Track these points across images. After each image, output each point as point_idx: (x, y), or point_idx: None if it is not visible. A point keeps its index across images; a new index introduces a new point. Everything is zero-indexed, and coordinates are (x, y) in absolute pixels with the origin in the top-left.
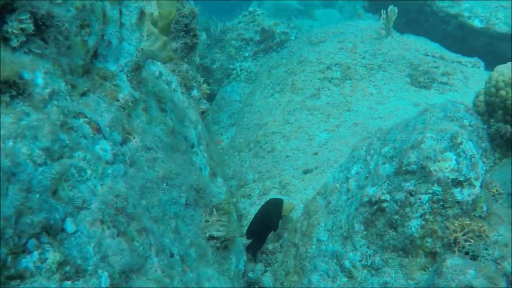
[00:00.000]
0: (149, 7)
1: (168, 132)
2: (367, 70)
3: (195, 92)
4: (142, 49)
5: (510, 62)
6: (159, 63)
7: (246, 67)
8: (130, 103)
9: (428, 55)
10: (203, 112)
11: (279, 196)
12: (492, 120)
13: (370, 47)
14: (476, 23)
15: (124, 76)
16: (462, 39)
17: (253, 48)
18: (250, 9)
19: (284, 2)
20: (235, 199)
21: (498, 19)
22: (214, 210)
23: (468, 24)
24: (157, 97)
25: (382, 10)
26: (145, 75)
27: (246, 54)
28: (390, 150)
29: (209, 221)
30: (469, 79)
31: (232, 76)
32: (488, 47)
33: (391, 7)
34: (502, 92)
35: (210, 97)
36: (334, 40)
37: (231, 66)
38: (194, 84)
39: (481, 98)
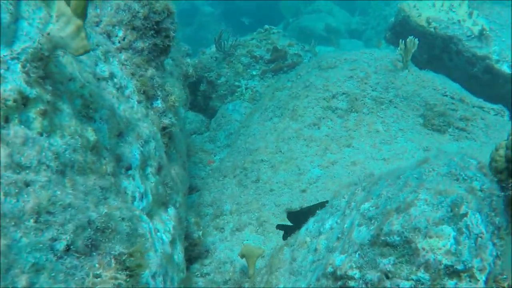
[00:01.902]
0: None
1: (84, 147)
2: (376, 104)
3: (158, 103)
4: (48, 34)
5: None
6: (115, 60)
7: (252, 85)
8: (11, 102)
9: (446, 95)
10: (164, 128)
11: (253, 235)
12: (511, 180)
13: (383, 79)
14: (505, 68)
15: (18, 65)
16: (488, 83)
17: (262, 67)
18: (266, 26)
19: (310, 28)
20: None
21: None
22: (113, 261)
23: (496, 69)
24: (84, 101)
25: (400, 40)
26: (61, 70)
27: (254, 73)
28: (371, 208)
29: (100, 277)
30: (490, 128)
31: (236, 94)
32: None
33: (410, 38)
34: None
35: (212, 114)
36: (345, 67)
37: (236, 83)
38: (159, 93)
39: (501, 152)
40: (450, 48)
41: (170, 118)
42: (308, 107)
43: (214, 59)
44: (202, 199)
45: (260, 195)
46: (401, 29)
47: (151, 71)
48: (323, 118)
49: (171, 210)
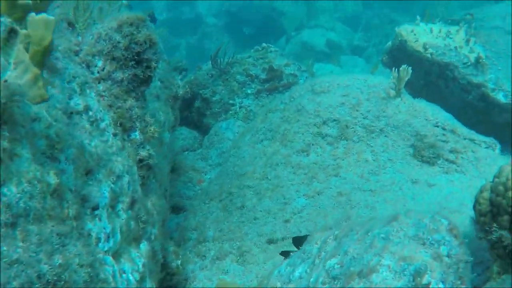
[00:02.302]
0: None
1: (43, 192)
2: (367, 132)
3: (135, 135)
4: (5, 81)
5: None
6: (92, 92)
7: (246, 104)
8: None
9: (437, 126)
10: (142, 160)
11: (234, 265)
12: (495, 225)
13: (375, 107)
14: (500, 97)
15: None
16: (483, 111)
17: (257, 86)
18: (264, 44)
19: (311, 42)
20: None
21: None
22: None
23: (491, 97)
24: (49, 141)
25: (393, 69)
26: (24, 111)
27: (249, 91)
28: (336, 266)
29: None
30: (480, 161)
31: (230, 112)
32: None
33: (403, 66)
34: (511, 194)
35: (206, 131)
36: (338, 93)
37: (231, 101)
38: (137, 124)
39: (486, 194)
40: (446, 74)
41: (148, 150)
42: (298, 132)
43: (210, 75)
44: (187, 222)
45: (244, 223)
46: (398, 53)
47: (130, 102)
48: (313, 145)
49: (144, 245)
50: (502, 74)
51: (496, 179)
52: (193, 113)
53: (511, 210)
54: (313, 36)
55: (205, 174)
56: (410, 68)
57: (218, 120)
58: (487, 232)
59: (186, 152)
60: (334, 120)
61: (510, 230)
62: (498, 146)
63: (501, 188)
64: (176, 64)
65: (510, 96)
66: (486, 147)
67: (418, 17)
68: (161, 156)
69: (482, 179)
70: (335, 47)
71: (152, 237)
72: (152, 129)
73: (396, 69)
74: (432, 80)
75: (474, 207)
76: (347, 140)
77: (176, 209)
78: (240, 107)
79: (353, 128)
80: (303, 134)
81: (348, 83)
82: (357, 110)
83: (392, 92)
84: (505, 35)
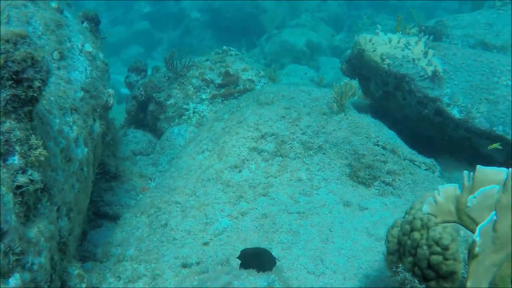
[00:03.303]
0: None
1: None
2: (304, 149)
3: (14, 160)
4: None
5: (445, 186)
6: None
7: (200, 110)
8: None
9: (378, 145)
10: (19, 187)
11: None
12: (401, 266)
13: (315, 123)
14: (455, 113)
15: None
16: (439, 125)
17: (212, 91)
18: (224, 47)
19: (291, 42)
20: None
21: (479, 113)
22: None
23: (446, 112)
24: None
25: (334, 84)
26: None
27: (203, 97)
28: None
29: None
30: (418, 185)
31: (183, 117)
32: (466, 141)
33: (346, 81)
34: (416, 235)
35: (160, 135)
36: (281, 105)
37: (185, 106)
38: (17, 149)
39: (395, 231)
40: (403, 86)
41: (31, 175)
42: (235, 145)
43: (167, 78)
44: (114, 237)
45: (163, 243)
46: (357, 62)
47: (10, 124)
48: (247, 161)
49: (14, 280)
50: (458, 89)
51: (406, 216)
52: (148, 115)
53: (415, 252)
54: (293, 35)
55: (153, 181)
56: (354, 82)
57: (171, 125)
58: (394, 272)
59: (139, 157)
60: (272, 134)
61: (413, 273)
62: (438, 168)
63: (407, 227)
64: (135, 65)
65: (464, 112)
66: (425, 169)
67: (378, 26)
68: (66, 175)
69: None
70: (314, 47)
71: (35, 267)
72: (38, 152)
73: (339, 83)
74: (390, 91)
75: (385, 242)
76: (282, 157)
77: (115, 220)
78: (194, 113)
79: (290, 144)
80: (239, 148)
81: (293, 95)
82: (296, 125)
83: (335, 107)
84: (464, 48)
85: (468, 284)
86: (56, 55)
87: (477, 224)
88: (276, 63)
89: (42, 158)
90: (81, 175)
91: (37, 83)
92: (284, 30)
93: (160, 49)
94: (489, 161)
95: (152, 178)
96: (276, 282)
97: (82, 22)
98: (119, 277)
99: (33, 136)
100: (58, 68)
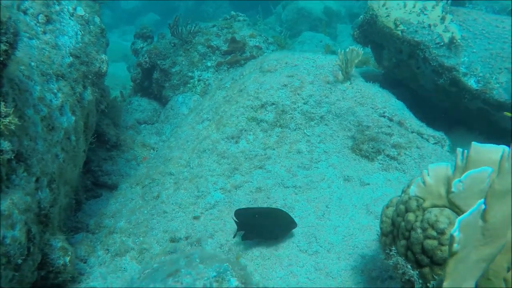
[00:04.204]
0: None
1: None
2: (305, 119)
3: None
4: None
5: (436, 166)
6: None
7: (205, 78)
8: None
9: (384, 116)
10: None
11: (132, 264)
12: (394, 249)
13: (318, 92)
14: (472, 83)
15: None
16: (455, 96)
17: (218, 59)
18: (233, 13)
19: (308, 8)
20: None
21: (498, 84)
22: None
23: (462, 82)
24: None
25: (339, 50)
26: None
27: (209, 64)
28: None
29: None
30: (425, 159)
31: (188, 85)
32: (483, 113)
33: (352, 47)
34: (411, 216)
35: (165, 103)
36: (284, 73)
37: (189, 74)
38: None
39: (390, 211)
40: (417, 54)
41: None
42: (234, 115)
43: (172, 45)
44: (108, 208)
45: (153, 216)
46: (369, 28)
47: None
48: (245, 131)
49: None
50: (477, 57)
51: (403, 195)
52: (154, 84)
53: (409, 235)
54: (310, 2)
55: (156, 151)
56: (361, 49)
57: (175, 93)
58: (388, 255)
59: (143, 126)
60: (273, 104)
61: (406, 258)
62: (448, 142)
63: (402, 207)
64: (140, 31)
65: (482, 83)
66: (434, 143)
67: None
68: (48, 144)
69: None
70: (333, 14)
71: (7, 240)
72: (7, 120)
73: (343, 50)
74: (404, 59)
75: (380, 223)
76: (281, 128)
77: (115, 189)
78: (199, 80)
79: (291, 114)
80: (237, 117)
81: (297, 63)
82: (298, 94)
83: (340, 76)
84: (486, 14)
85: (445, 284)
86: (41, 18)
87: (463, 213)
88: (292, 31)
89: (12, 127)
90: (68, 145)
91: (3, 47)
92: None
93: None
94: (506, 135)
95: (155, 148)
96: (228, 272)
97: None
98: (108, 250)
99: (3, 103)
100: (44, 32)
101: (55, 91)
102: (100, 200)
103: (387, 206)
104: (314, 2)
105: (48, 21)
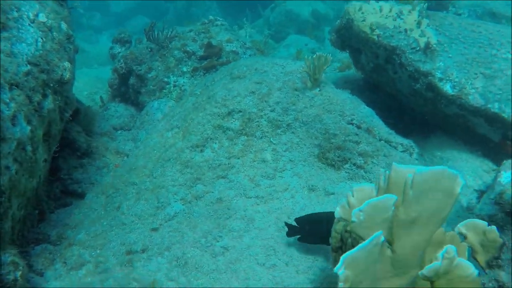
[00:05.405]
0: None
1: None
2: (272, 127)
3: None
4: None
5: (360, 187)
6: None
7: (181, 83)
8: None
9: (352, 124)
10: None
11: (88, 278)
12: None
13: (285, 99)
14: (447, 89)
15: None
16: (432, 101)
17: (194, 64)
18: (211, 17)
19: (296, 11)
20: None
21: (474, 89)
22: None
23: (438, 88)
24: None
25: (306, 56)
26: None
27: (184, 69)
28: None
29: None
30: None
31: (164, 91)
32: (460, 119)
33: (319, 54)
34: (346, 235)
35: (142, 109)
36: (253, 79)
37: (165, 79)
38: None
39: (339, 227)
40: (393, 59)
41: None
42: (200, 123)
43: (149, 50)
44: (71, 218)
45: (112, 227)
46: (346, 33)
47: None
48: (210, 139)
49: None
50: (452, 62)
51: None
52: (131, 89)
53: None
54: (298, 4)
55: (127, 157)
56: (330, 55)
57: (151, 98)
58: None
59: (119, 132)
60: (240, 111)
61: None
62: (416, 150)
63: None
64: (118, 36)
65: (458, 88)
66: (402, 151)
67: None
68: None
69: None
70: (321, 17)
71: None
72: None
73: (311, 56)
74: (381, 64)
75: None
76: (247, 136)
77: (83, 198)
78: (174, 86)
79: (257, 121)
80: (204, 125)
81: (266, 69)
82: (265, 101)
83: (309, 83)
84: (462, 18)
85: None
86: None
87: None
88: (281, 34)
89: None
90: (23, 155)
91: None
92: None
93: (166, 19)
94: (483, 140)
95: (129, 155)
96: None
97: None
98: (65, 262)
99: None
100: None
101: (7, 101)
102: (69, 209)
103: (338, 220)
104: (302, 5)
105: (4, 28)
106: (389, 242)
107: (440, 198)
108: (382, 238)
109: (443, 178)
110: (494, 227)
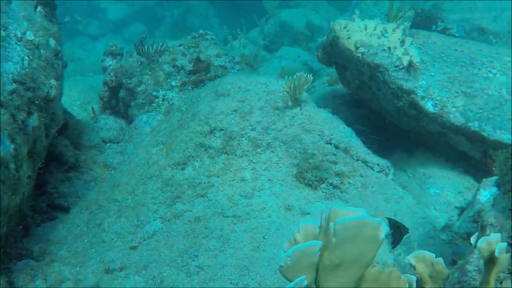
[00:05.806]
0: None
1: None
2: (252, 146)
3: None
4: None
5: (305, 225)
6: None
7: (169, 97)
8: None
9: (330, 144)
10: None
11: None
12: None
13: (266, 118)
14: (429, 107)
15: None
16: (415, 119)
17: (183, 78)
18: (201, 31)
19: (291, 23)
20: None
21: (455, 108)
22: None
23: (420, 106)
24: None
25: (286, 76)
26: None
27: (173, 84)
28: None
29: None
30: (367, 188)
31: (153, 105)
32: (442, 137)
33: (300, 74)
34: None
35: (131, 122)
36: (236, 98)
37: (154, 93)
38: None
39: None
40: (377, 77)
41: None
42: (183, 141)
43: (139, 63)
44: (55, 234)
45: (92, 244)
46: (332, 49)
47: None
48: (192, 157)
49: None
50: (434, 80)
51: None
52: (120, 102)
53: None
54: (293, 16)
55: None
56: (310, 75)
57: (141, 112)
58: None
59: (108, 144)
60: (221, 129)
61: None
62: (391, 171)
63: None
64: (109, 48)
65: (439, 106)
66: (378, 171)
67: (356, 11)
68: None
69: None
70: (315, 29)
71: None
72: None
73: (291, 76)
74: (365, 81)
75: None
76: (227, 154)
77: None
78: (163, 100)
79: (238, 140)
80: (186, 143)
81: (249, 87)
82: (247, 120)
83: (290, 102)
84: (445, 37)
85: None
86: None
87: None
88: (275, 45)
89: None
90: (6, 173)
91: None
92: (283, 10)
93: (163, 27)
94: (465, 158)
95: (116, 169)
96: None
97: (36, 7)
98: (46, 279)
99: None
100: None
101: None
102: (54, 223)
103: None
104: (297, 16)
105: None
106: (317, 285)
107: (362, 245)
108: (305, 283)
109: (366, 226)
110: (441, 259)
